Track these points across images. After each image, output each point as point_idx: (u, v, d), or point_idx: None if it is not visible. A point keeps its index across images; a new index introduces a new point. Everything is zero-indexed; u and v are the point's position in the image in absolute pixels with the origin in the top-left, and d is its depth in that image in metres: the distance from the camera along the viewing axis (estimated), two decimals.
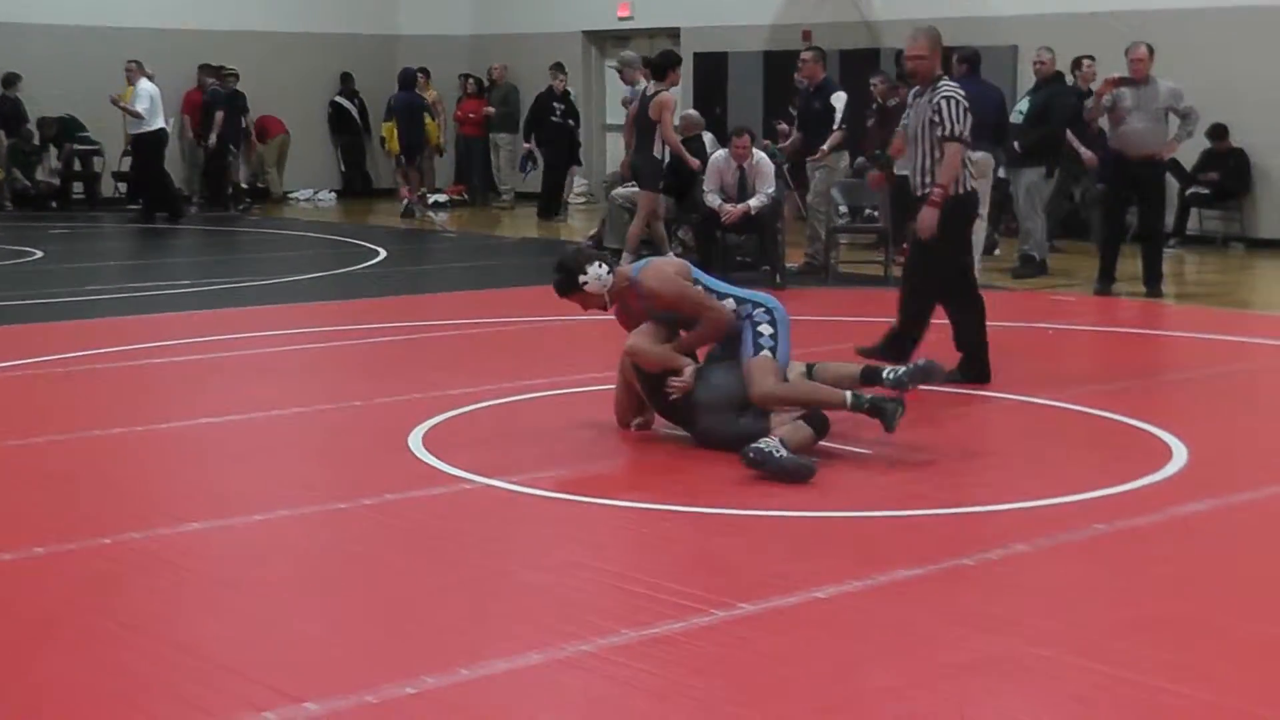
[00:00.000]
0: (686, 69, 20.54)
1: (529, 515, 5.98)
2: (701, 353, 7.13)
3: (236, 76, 21.19)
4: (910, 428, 7.17)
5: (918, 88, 8.52)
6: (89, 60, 20.99)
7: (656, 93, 13.58)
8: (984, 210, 13.50)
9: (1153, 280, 12.44)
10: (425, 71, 22.64)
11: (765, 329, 6.95)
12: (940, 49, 8.52)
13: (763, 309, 7.01)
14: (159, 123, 19.19)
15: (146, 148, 19.25)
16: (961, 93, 8.36)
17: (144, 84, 19.00)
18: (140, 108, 18.86)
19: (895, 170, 10.40)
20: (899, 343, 8.37)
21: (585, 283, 6.99)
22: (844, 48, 18.83)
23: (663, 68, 13.73)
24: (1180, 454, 6.76)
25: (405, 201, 20.60)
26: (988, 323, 8.60)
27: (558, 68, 21.16)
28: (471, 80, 22.74)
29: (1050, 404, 7.96)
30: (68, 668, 4.26)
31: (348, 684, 4.06)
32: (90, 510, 5.96)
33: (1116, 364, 10.04)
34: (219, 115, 20.80)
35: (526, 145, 20.85)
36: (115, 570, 5.17)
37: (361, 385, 8.41)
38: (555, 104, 20.23)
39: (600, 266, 7.02)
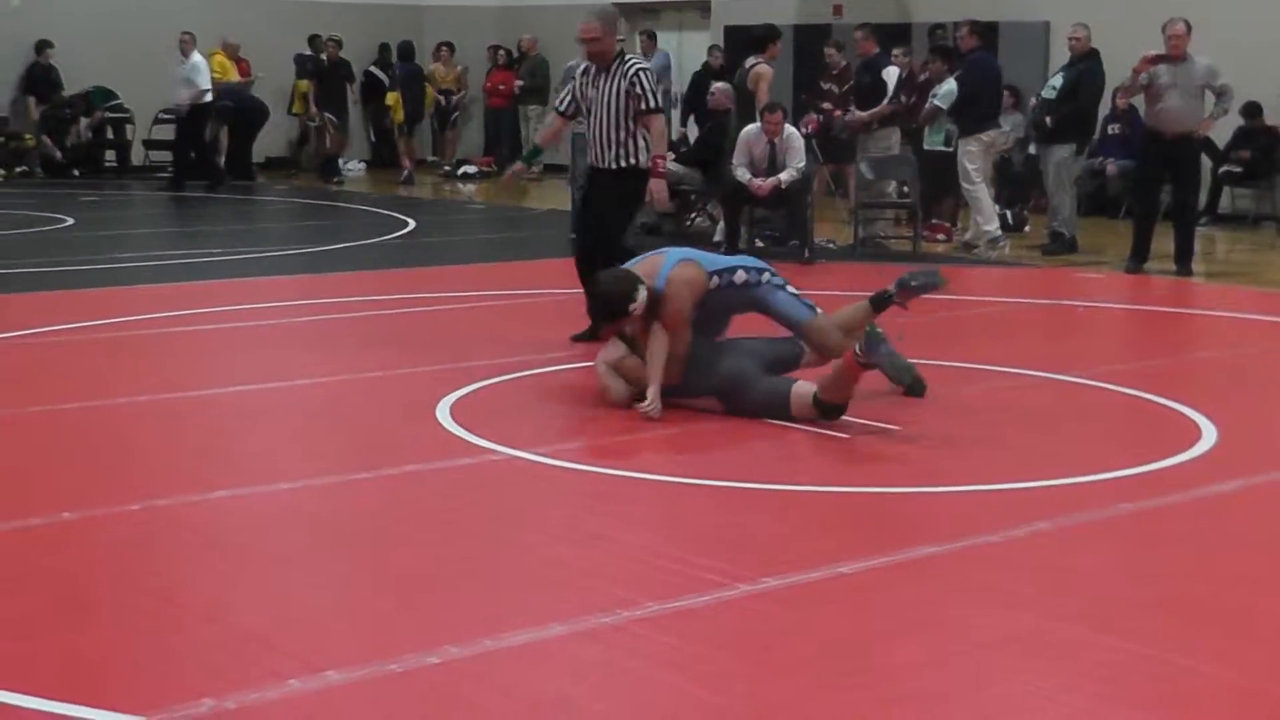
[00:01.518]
0: (716, 41, 20.52)
1: (554, 487, 5.99)
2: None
3: (339, 44, 21.21)
4: (935, 404, 7.17)
5: (587, 62, 8.66)
6: (121, 27, 21.03)
7: (755, 64, 13.79)
8: (975, 187, 13.58)
9: (1183, 258, 12.40)
10: (450, 46, 22.65)
11: (791, 289, 7.20)
12: (615, 28, 8.80)
13: (769, 273, 7.22)
14: (209, 93, 19.30)
15: (200, 117, 19.34)
16: (649, 65, 8.78)
17: (198, 56, 19.08)
18: (202, 82, 18.95)
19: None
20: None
21: (634, 309, 6.93)
22: (875, 21, 18.75)
23: (763, 40, 14.09)
24: (1209, 434, 6.74)
25: (406, 171, 20.88)
26: (1027, 300, 8.62)
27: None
28: (501, 52, 22.74)
29: (1078, 382, 7.93)
30: (95, 633, 4.29)
31: (371, 653, 4.08)
32: (118, 476, 5.99)
33: (1145, 342, 10.01)
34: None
35: (682, 130, 18.77)
36: (142, 536, 5.20)
37: (388, 355, 8.42)
38: (714, 82, 18.42)
39: (640, 290, 6.92)
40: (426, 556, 5.07)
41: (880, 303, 7.23)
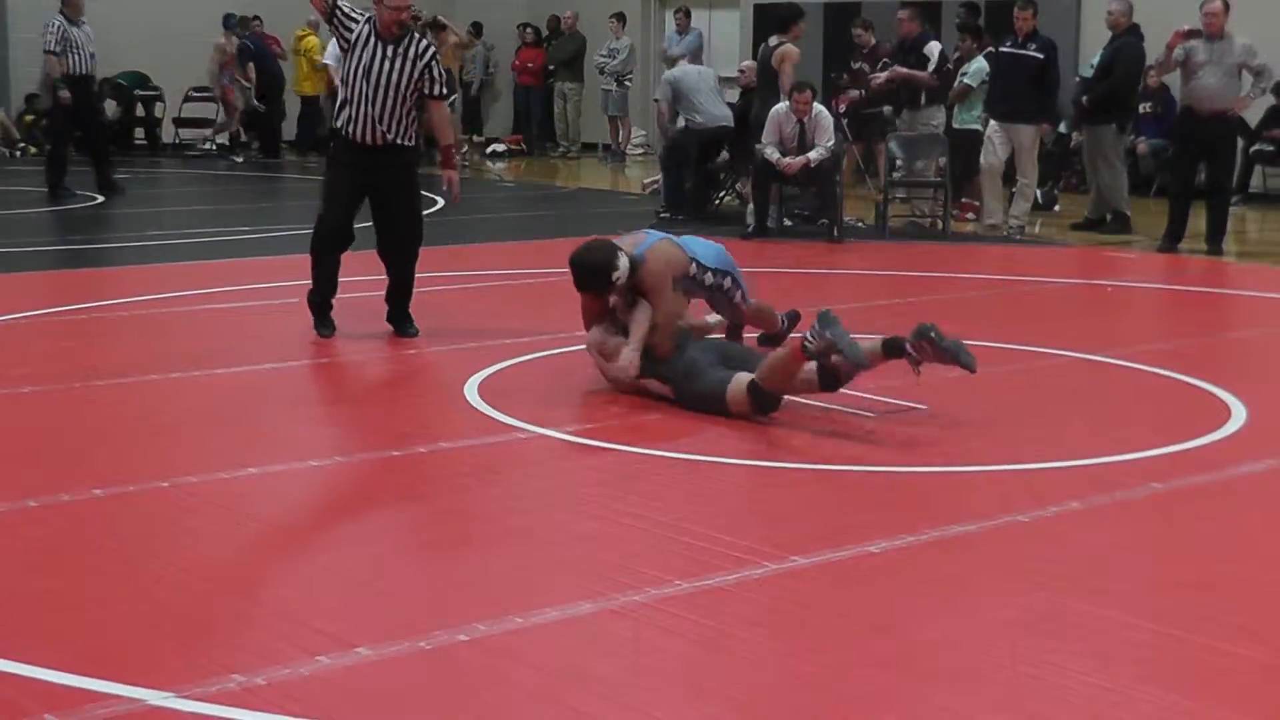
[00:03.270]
0: (746, 20, 20.47)
1: (582, 465, 5.99)
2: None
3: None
4: (966, 383, 7.14)
5: (368, 30, 8.10)
6: (153, 4, 21.04)
7: (779, 44, 13.77)
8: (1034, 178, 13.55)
9: (1215, 237, 12.33)
10: (477, 26, 22.65)
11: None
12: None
13: (731, 277, 7.29)
14: None
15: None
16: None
17: None
18: None
19: None
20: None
21: (617, 278, 6.89)
22: None
23: (786, 20, 14.05)
24: (1239, 413, 6.71)
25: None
26: (1058, 279, 8.55)
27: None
28: (530, 29, 22.72)
29: (1108, 361, 7.90)
30: (124, 609, 4.31)
31: (400, 630, 4.09)
32: (148, 453, 6.01)
33: (1176, 322, 9.97)
34: (250, 67, 20.85)
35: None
36: (172, 513, 5.22)
37: (418, 333, 8.43)
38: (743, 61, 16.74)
39: (621, 258, 6.90)
40: (456, 534, 5.09)
41: (892, 349, 6.51)
